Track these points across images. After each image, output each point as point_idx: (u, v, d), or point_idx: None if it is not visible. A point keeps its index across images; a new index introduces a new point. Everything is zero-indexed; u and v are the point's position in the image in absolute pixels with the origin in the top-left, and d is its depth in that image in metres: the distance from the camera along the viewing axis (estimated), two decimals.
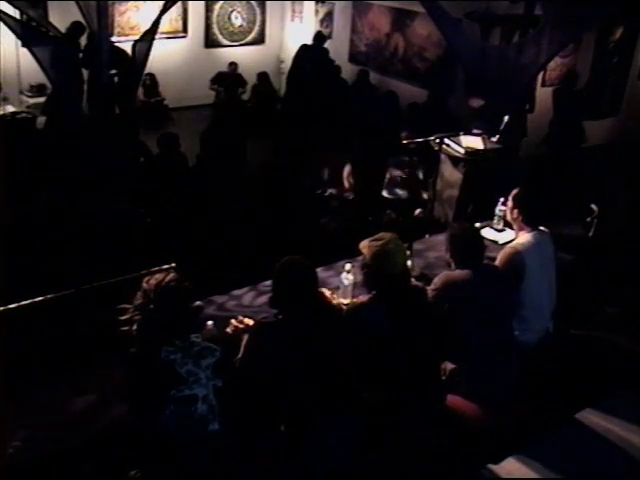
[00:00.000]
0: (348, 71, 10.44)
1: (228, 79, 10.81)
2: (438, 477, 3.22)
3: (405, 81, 9.79)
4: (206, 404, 2.76)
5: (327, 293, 3.51)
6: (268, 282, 3.31)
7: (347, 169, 6.88)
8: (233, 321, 3.36)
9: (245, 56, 11.53)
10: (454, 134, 5.66)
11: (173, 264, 3.14)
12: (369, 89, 9.95)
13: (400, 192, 6.56)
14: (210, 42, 11.32)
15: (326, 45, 10.22)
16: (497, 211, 4.77)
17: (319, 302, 3.10)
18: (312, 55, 10.05)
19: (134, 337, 2.73)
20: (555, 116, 8.20)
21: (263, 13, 11.79)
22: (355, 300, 3.39)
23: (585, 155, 8.21)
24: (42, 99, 9.16)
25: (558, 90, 8.43)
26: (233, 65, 11.09)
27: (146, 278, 2.82)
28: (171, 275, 2.81)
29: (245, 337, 3.11)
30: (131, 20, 10.31)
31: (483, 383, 3.40)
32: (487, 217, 4.88)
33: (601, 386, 4.12)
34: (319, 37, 10.23)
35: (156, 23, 6.52)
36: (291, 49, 10.88)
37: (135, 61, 6.50)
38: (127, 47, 7.65)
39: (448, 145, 5.65)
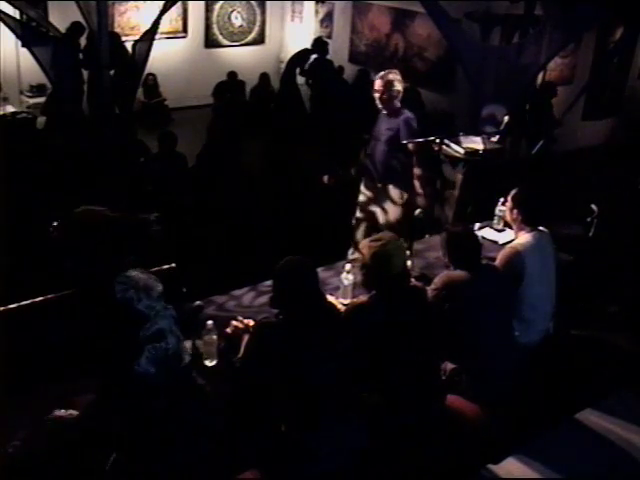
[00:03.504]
0: (348, 71, 10.43)
1: (226, 89, 10.68)
2: (438, 477, 3.21)
3: (405, 81, 9.76)
4: (174, 336, 2.73)
5: (331, 299, 3.50)
6: (268, 282, 3.31)
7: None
8: (233, 322, 3.36)
9: (245, 56, 11.52)
10: (454, 134, 5.67)
11: (173, 264, 3.14)
12: (369, 89, 9.90)
13: None
14: (210, 42, 11.31)
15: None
16: (497, 211, 4.77)
17: (319, 302, 3.10)
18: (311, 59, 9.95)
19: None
20: None
21: (263, 13, 11.78)
22: (355, 300, 3.38)
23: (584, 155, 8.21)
24: (42, 99, 9.15)
25: None
26: (232, 75, 11.03)
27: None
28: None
29: (245, 337, 3.12)
30: (131, 20, 10.30)
31: (483, 383, 3.40)
32: (487, 217, 4.88)
33: (601, 386, 4.12)
34: (318, 44, 9.98)
35: (156, 23, 6.54)
36: (291, 49, 10.85)
37: (135, 61, 6.52)
38: (127, 47, 7.68)
39: (448, 145, 5.65)
